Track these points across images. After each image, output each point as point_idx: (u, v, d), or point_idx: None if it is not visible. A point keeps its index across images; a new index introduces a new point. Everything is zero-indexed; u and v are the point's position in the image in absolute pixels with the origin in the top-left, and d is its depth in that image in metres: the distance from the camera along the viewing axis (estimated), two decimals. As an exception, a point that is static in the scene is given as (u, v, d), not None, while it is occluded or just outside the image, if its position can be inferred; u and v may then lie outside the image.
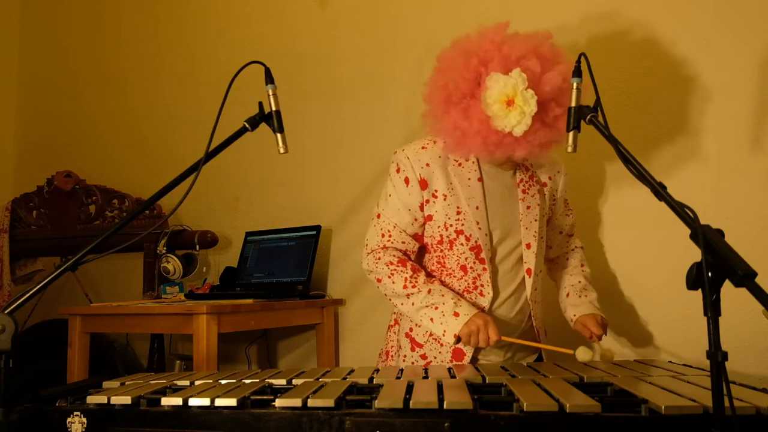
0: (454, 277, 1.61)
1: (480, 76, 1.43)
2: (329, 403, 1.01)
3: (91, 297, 3.03)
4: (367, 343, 2.42)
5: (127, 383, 1.27)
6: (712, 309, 0.85)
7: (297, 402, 1.02)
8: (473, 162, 1.60)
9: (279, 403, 1.03)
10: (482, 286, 1.59)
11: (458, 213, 1.59)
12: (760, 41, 1.88)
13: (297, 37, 2.76)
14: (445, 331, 1.51)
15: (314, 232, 2.51)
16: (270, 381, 1.23)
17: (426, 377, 1.26)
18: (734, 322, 1.74)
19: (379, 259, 1.61)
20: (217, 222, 2.85)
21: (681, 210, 1.00)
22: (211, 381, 1.25)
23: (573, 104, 1.32)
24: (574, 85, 1.33)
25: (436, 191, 1.59)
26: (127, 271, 2.99)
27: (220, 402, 1.05)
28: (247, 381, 1.24)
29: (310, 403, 1.01)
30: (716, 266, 0.87)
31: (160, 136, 3.13)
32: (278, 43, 2.79)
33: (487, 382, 1.20)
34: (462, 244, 1.59)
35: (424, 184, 1.59)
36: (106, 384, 1.28)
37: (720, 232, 0.93)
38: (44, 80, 3.57)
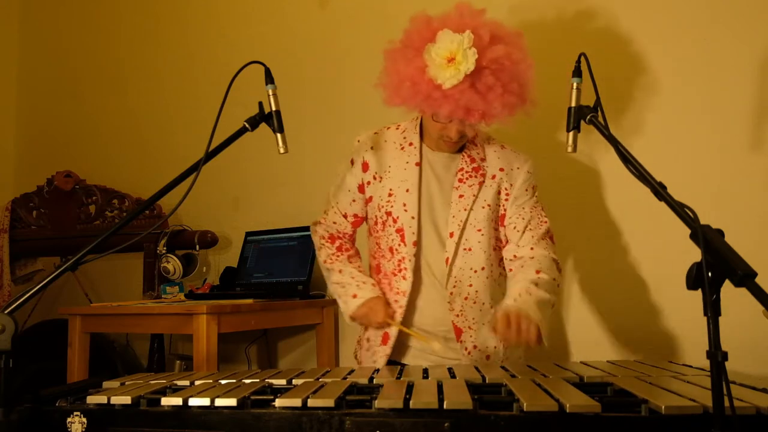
0: (385, 258, 1.65)
1: (434, 36, 1.45)
2: (329, 403, 1.01)
3: (91, 297, 3.03)
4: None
5: (127, 383, 1.27)
6: (712, 309, 0.85)
7: (297, 402, 1.02)
8: (416, 147, 1.66)
9: (279, 403, 1.03)
10: (405, 269, 1.61)
11: (390, 195, 1.64)
12: (760, 41, 1.88)
13: (297, 37, 2.76)
14: (344, 310, 1.65)
15: (314, 232, 2.51)
16: (270, 381, 1.23)
17: (426, 377, 1.26)
18: (734, 322, 1.73)
19: (315, 232, 1.78)
20: (217, 222, 2.85)
21: (681, 210, 1.00)
22: (211, 381, 1.25)
23: (573, 104, 1.33)
24: (574, 85, 1.33)
25: (376, 173, 1.68)
26: (127, 271, 2.99)
27: (220, 402, 1.05)
28: (247, 381, 1.24)
29: (310, 403, 1.01)
30: (716, 266, 0.87)
31: (160, 136, 3.13)
32: (278, 43, 2.79)
33: (487, 382, 1.20)
34: (390, 226, 1.63)
35: (365, 167, 1.69)
36: (106, 384, 1.28)
37: (720, 232, 0.93)
38: (44, 80, 3.57)
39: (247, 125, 1.42)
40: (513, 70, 1.45)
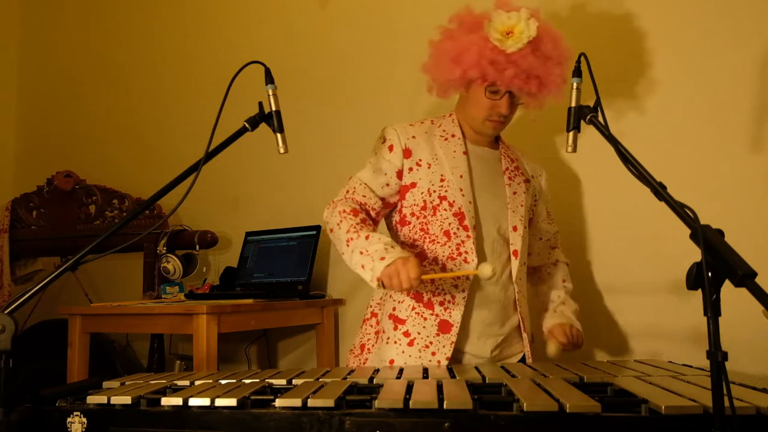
0: (438, 243, 1.61)
1: (485, 18, 1.56)
2: (329, 403, 1.01)
3: (91, 297, 3.03)
4: (367, 343, 2.41)
5: (127, 383, 1.27)
6: (712, 309, 0.85)
7: (297, 402, 1.02)
8: (459, 138, 1.68)
9: (279, 403, 1.03)
10: (466, 252, 1.59)
11: (442, 180, 1.63)
12: (761, 41, 1.88)
13: (297, 37, 2.76)
14: (371, 276, 1.44)
15: (314, 232, 2.51)
16: (270, 381, 1.23)
17: (426, 377, 1.26)
18: (734, 322, 1.73)
19: (335, 208, 1.60)
20: (217, 222, 2.84)
21: (681, 210, 1.00)
22: (211, 381, 1.25)
23: (573, 104, 1.33)
24: (574, 85, 1.33)
25: (420, 160, 1.65)
26: (127, 271, 2.99)
27: (220, 402, 1.05)
28: (247, 381, 1.24)
29: (310, 403, 1.01)
30: (716, 266, 0.87)
31: (160, 136, 3.13)
32: (278, 43, 2.79)
33: (487, 382, 1.20)
34: (445, 210, 1.61)
35: (407, 153, 1.65)
36: (106, 384, 1.28)
37: (720, 232, 0.93)
38: (44, 80, 3.57)
39: (247, 125, 1.42)
40: (561, 45, 1.57)
